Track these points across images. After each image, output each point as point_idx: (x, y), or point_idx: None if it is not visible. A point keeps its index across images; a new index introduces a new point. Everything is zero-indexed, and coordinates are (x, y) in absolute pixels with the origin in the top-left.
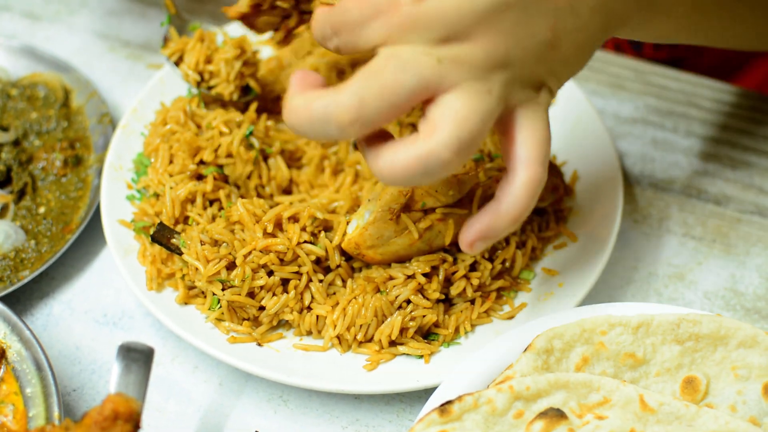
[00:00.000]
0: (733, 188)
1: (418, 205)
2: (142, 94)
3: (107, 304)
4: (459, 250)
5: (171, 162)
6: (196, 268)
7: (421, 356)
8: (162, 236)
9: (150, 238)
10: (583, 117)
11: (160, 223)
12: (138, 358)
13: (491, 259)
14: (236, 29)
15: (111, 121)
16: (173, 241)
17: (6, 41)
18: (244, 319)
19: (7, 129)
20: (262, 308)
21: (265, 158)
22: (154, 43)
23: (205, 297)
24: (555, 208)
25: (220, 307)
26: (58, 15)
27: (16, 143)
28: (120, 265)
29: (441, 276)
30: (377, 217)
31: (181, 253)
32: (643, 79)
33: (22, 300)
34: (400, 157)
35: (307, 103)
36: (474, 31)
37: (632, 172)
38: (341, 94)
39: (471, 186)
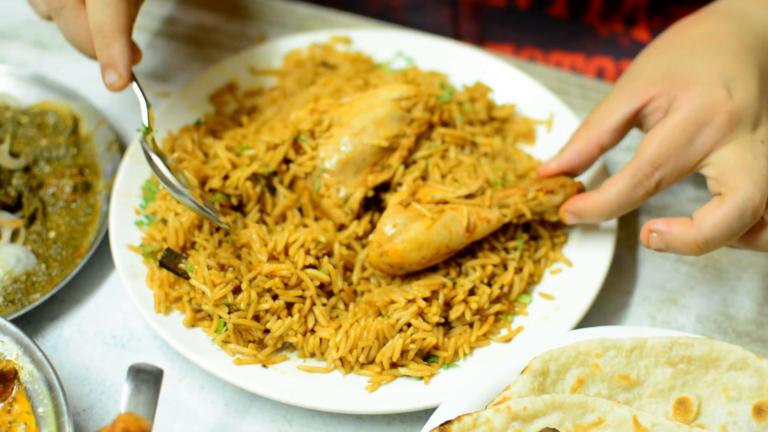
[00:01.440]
0: None
1: (426, 198)
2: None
3: (116, 326)
4: (476, 244)
5: None
6: (203, 292)
7: (422, 377)
8: (170, 261)
9: (158, 263)
10: None
11: (168, 249)
12: (147, 379)
13: (490, 284)
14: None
15: (119, 148)
16: (180, 266)
17: (16, 70)
18: (249, 342)
19: (18, 156)
20: (267, 331)
21: (271, 189)
22: (160, 72)
23: (212, 320)
24: (551, 233)
25: (227, 329)
26: (66, 44)
27: (26, 170)
28: (129, 288)
29: (441, 300)
30: (389, 211)
31: (188, 278)
32: None
33: (33, 322)
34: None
35: (718, 219)
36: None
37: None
38: (743, 191)
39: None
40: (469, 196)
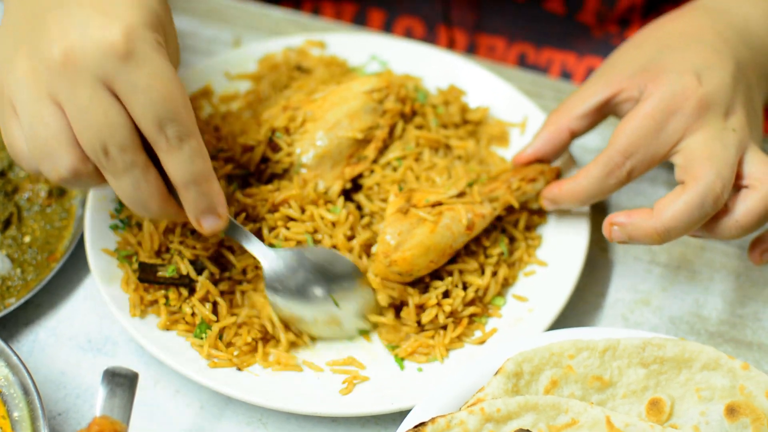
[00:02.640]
0: None
1: (421, 202)
2: None
3: (91, 330)
4: (475, 241)
5: None
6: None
7: (396, 380)
8: (147, 275)
9: (138, 281)
10: None
11: (140, 264)
12: (122, 382)
13: (464, 288)
14: None
15: None
16: (160, 274)
17: None
18: (228, 345)
19: None
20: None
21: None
22: None
23: (188, 323)
24: (526, 235)
25: (206, 335)
26: None
27: (1, 174)
28: (104, 292)
29: (412, 305)
30: (389, 221)
31: (172, 283)
32: None
33: (8, 327)
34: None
35: (678, 208)
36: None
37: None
38: (704, 180)
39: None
40: (460, 195)
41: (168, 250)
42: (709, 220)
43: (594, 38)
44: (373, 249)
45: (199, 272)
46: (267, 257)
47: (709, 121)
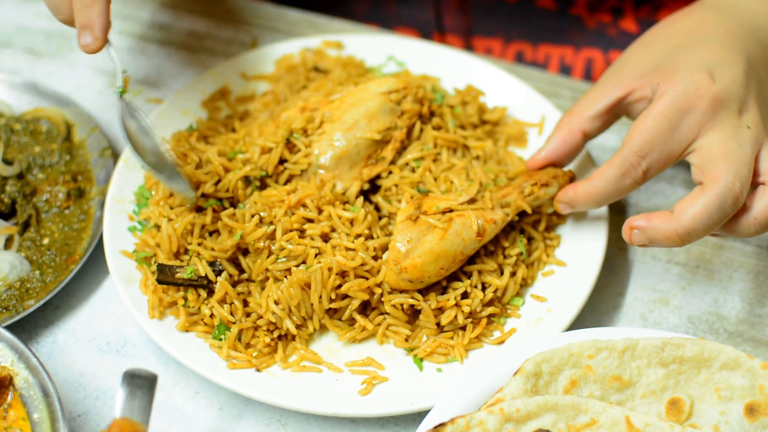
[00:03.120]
0: None
1: (431, 209)
2: None
3: (110, 332)
4: (493, 241)
5: (171, 195)
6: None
7: (415, 380)
8: (166, 277)
9: (156, 282)
10: None
11: (159, 265)
12: (142, 384)
13: (483, 289)
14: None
15: (112, 154)
16: (178, 275)
17: (8, 77)
18: (248, 346)
19: (11, 163)
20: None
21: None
22: (152, 78)
23: (206, 325)
24: (544, 235)
25: (226, 337)
26: (59, 51)
27: (20, 176)
28: (123, 294)
29: (432, 305)
30: (399, 228)
31: (191, 284)
32: None
33: (28, 329)
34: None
35: (698, 210)
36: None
37: (618, 200)
38: (723, 181)
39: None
40: (471, 201)
41: (186, 251)
42: (727, 220)
43: (588, 29)
44: (384, 256)
45: (218, 274)
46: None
47: (724, 119)
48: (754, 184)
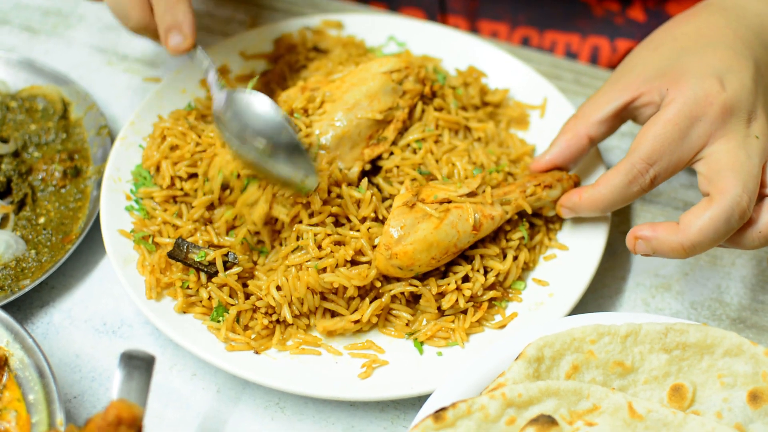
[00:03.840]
0: None
1: (429, 198)
2: (139, 107)
3: (106, 312)
4: (481, 241)
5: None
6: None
7: (415, 364)
8: (179, 253)
9: (167, 255)
10: None
11: (179, 240)
12: (139, 365)
13: (485, 273)
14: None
15: (109, 133)
16: (191, 255)
17: (5, 54)
18: (246, 328)
19: (6, 141)
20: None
21: None
22: (150, 57)
23: (204, 306)
24: (546, 219)
25: (224, 319)
26: (56, 29)
27: (15, 155)
28: (120, 274)
29: (433, 290)
30: (395, 213)
31: (197, 267)
32: None
33: (23, 309)
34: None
35: (704, 223)
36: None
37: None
38: (731, 194)
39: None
40: (471, 194)
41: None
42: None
43: (595, 17)
44: (376, 240)
45: (229, 267)
46: (215, 91)
47: (733, 128)
48: (761, 196)
